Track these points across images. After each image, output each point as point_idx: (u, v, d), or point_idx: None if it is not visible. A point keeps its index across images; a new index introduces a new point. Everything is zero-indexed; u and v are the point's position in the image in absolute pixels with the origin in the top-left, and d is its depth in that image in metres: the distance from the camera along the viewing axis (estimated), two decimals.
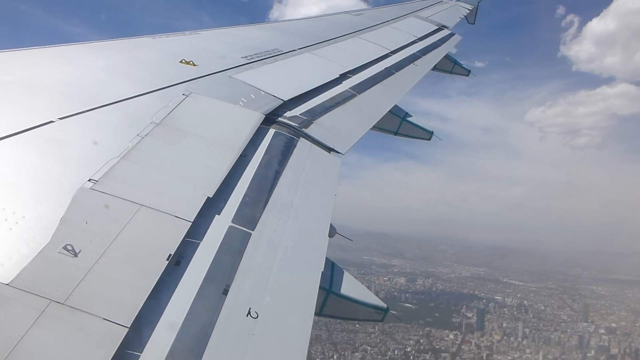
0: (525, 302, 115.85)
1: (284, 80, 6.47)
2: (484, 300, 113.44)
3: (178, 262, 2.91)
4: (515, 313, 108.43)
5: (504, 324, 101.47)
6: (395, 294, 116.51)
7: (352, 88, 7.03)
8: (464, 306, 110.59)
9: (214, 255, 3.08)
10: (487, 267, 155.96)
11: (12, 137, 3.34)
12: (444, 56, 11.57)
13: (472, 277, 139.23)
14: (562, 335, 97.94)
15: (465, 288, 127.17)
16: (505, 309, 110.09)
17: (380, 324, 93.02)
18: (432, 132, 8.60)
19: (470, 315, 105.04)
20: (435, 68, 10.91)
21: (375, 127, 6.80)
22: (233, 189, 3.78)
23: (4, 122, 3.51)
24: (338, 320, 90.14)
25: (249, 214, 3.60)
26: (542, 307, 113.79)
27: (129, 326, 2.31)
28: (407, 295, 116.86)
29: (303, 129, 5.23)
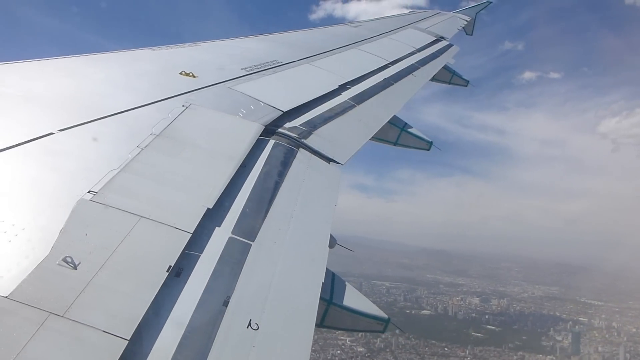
0: (614, 324, 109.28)
1: (283, 91, 6.49)
2: (571, 323, 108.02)
3: (178, 273, 2.89)
4: (607, 336, 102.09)
5: (599, 348, 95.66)
6: (474, 315, 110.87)
7: (351, 99, 7.05)
8: (551, 328, 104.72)
9: (214, 267, 3.07)
10: (558, 285, 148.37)
11: (11, 149, 3.34)
12: (443, 67, 11.64)
13: (547, 297, 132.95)
14: None
15: (543, 309, 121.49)
16: (595, 332, 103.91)
17: (469, 347, 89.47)
18: (431, 142, 8.61)
19: (559, 338, 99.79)
20: (434, 79, 10.97)
21: (374, 138, 6.82)
22: (233, 200, 3.78)
23: (4, 134, 3.52)
24: (427, 344, 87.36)
25: (249, 225, 3.59)
26: (634, 330, 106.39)
27: (128, 338, 2.30)
28: (487, 316, 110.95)
29: (302, 140, 5.23)
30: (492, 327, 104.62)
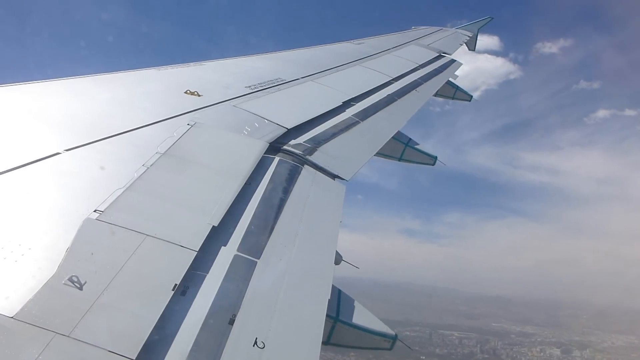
0: None
1: (287, 108, 6.53)
2: None
3: (184, 292, 2.88)
4: None
5: None
6: None
7: (355, 115, 7.08)
8: None
9: (219, 285, 3.05)
10: (636, 334, 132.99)
11: (18, 169, 3.36)
12: (446, 82, 11.69)
13: (631, 347, 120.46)
14: None
15: None
16: None
17: None
18: (435, 157, 8.60)
19: None
20: (437, 94, 11.02)
21: (379, 154, 6.82)
22: (238, 218, 3.78)
23: (11, 155, 3.55)
24: None
25: (255, 243, 3.58)
26: None
27: (134, 358, 2.28)
28: None
29: (307, 157, 5.25)
30: None
